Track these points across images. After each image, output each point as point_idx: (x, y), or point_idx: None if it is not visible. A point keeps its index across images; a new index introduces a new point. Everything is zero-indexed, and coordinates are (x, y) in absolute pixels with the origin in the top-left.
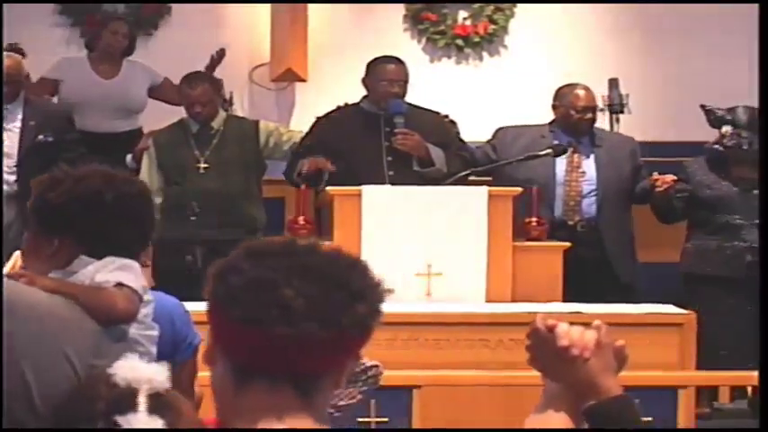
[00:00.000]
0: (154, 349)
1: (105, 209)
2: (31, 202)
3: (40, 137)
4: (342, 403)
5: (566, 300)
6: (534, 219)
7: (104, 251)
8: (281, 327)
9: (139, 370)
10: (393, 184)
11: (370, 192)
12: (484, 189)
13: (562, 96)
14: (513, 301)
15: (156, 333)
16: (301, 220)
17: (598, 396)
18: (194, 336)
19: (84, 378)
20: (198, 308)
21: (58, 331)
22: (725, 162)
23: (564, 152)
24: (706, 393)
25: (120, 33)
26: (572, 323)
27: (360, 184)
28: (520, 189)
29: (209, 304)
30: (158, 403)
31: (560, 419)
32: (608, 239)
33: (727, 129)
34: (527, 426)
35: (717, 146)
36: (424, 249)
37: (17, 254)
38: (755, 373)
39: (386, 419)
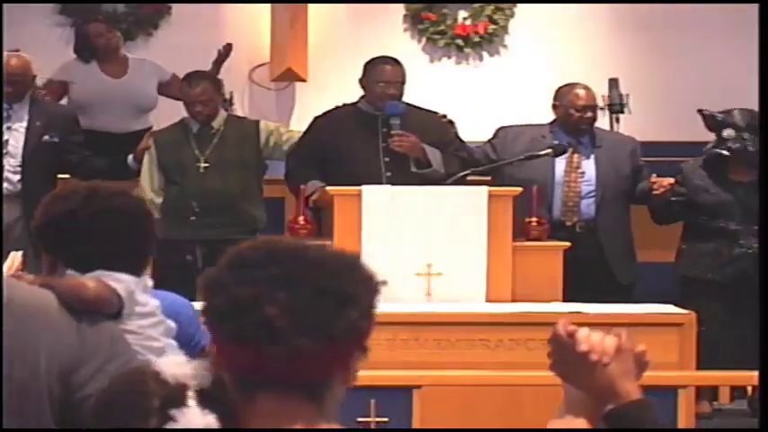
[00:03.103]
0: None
1: (79, 227)
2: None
3: (46, 137)
4: None
5: (565, 300)
6: (534, 219)
7: (88, 266)
8: (270, 345)
9: (185, 366)
10: (390, 184)
11: (370, 192)
12: (484, 189)
13: (562, 96)
14: (513, 301)
15: (161, 343)
16: (301, 219)
17: (617, 401)
18: (202, 336)
19: (127, 374)
20: None
21: (39, 330)
22: (723, 166)
23: (564, 152)
24: (706, 393)
25: (103, 35)
26: (580, 324)
27: (358, 185)
28: (520, 189)
29: (204, 318)
30: (206, 398)
31: (580, 425)
32: (606, 240)
33: (729, 132)
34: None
35: (718, 149)
36: (424, 249)
37: (14, 254)
38: (755, 373)
39: (386, 419)
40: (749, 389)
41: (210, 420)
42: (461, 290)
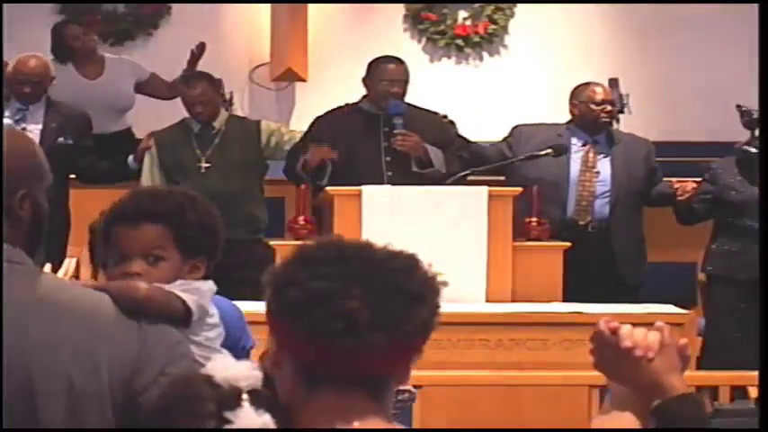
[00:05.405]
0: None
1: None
2: None
3: (60, 139)
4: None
5: (570, 300)
6: (534, 219)
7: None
8: (346, 338)
9: (234, 368)
10: (391, 184)
11: (370, 192)
12: (484, 189)
13: (579, 94)
14: (513, 301)
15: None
16: (301, 219)
17: (664, 395)
18: (248, 339)
19: (179, 381)
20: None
21: (97, 333)
22: (753, 165)
23: (565, 152)
24: (706, 393)
25: (79, 38)
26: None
27: (359, 185)
28: (520, 189)
29: (271, 315)
30: (258, 399)
31: (627, 420)
32: (617, 241)
33: None
34: (593, 427)
35: (747, 147)
36: (424, 249)
37: (69, 260)
38: (755, 373)
39: None
40: (749, 389)
41: (266, 419)
42: (461, 290)
